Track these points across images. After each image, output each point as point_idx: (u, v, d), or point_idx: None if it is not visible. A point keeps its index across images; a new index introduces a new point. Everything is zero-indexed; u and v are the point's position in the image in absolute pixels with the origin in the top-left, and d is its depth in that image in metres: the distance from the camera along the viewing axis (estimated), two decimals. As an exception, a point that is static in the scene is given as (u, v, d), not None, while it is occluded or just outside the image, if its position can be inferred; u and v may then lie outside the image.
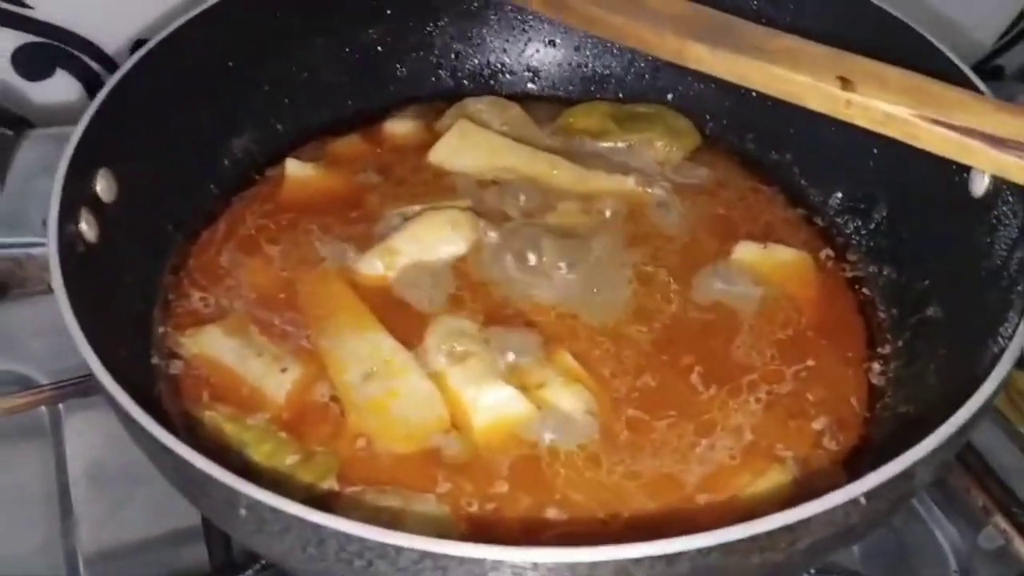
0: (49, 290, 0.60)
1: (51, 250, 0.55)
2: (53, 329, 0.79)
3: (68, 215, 0.58)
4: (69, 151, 0.59)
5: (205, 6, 0.71)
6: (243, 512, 0.45)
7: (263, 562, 0.61)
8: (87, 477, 0.70)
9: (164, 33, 0.69)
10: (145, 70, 0.66)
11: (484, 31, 0.84)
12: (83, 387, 0.70)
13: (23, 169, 0.62)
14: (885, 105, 0.58)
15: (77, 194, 0.59)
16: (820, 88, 0.60)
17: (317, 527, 0.43)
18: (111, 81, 0.64)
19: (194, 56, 0.70)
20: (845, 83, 0.59)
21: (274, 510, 0.44)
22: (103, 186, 0.62)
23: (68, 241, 0.57)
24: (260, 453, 0.58)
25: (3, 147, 0.62)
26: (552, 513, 0.57)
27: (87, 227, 0.60)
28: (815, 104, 0.61)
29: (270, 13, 0.75)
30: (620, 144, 0.80)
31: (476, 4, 0.83)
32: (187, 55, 0.70)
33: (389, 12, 0.81)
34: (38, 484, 0.70)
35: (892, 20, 0.71)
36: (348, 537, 0.42)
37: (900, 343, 0.66)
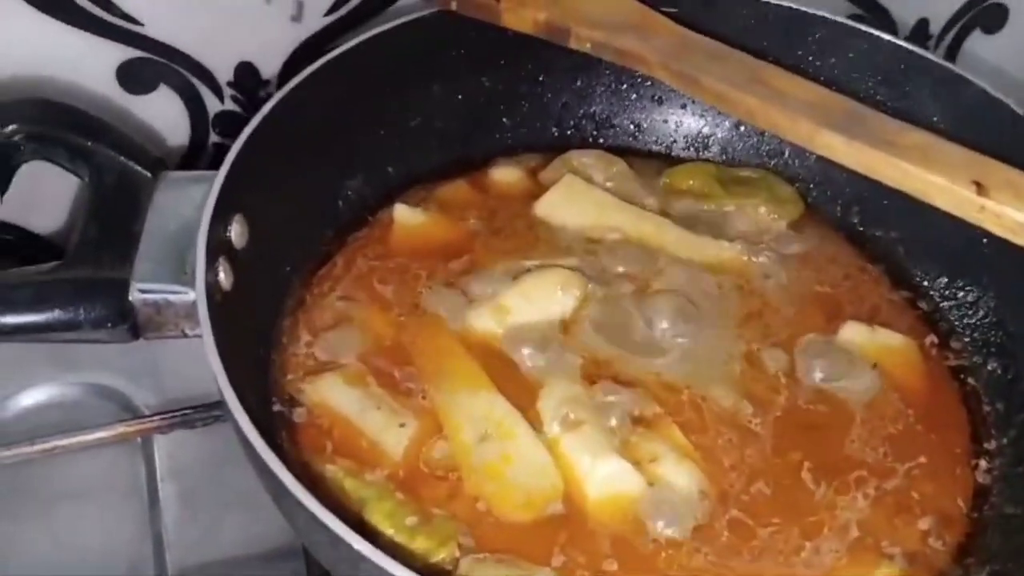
0: (183, 335, 0.61)
1: (199, 302, 0.56)
2: (143, 342, 0.81)
3: (210, 264, 0.59)
4: (212, 199, 0.60)
5: (336, 53, 0.72)
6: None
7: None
8: (177, 496, 0.71)
9: (296, 80, 0.70)
10: (279, 115, 0.67)
11: (593, 83, 0.85)
12: (190, 420, 0.72)
13: (158, 213, 0.62)
14: (1019, 215, 0.59)
15: (216, 242, 0.61)
16: (954, 191, 0.60)
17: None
18: (248, 128, 0.66)
19: (322, 102, 0.71)
20: (979, 187, 0.60)
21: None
22: (237, 232, 0.63)
23: (211, 291, 0.58)
24: (380, 512, 0.58)
25: (143, 190, 0.62)
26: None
27: (224, 275, 0.61)
28: (945, 205, 0.61)
29: (396, 58, 0.75)
30: (724, 208, 0.80)
31: (588, 58, 0.83)
32: (316, 101, 0.71)
33: (503, 61, 0.81)
34: (128, 497, 0.72)
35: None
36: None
37: (1005, 440, 0.67)
